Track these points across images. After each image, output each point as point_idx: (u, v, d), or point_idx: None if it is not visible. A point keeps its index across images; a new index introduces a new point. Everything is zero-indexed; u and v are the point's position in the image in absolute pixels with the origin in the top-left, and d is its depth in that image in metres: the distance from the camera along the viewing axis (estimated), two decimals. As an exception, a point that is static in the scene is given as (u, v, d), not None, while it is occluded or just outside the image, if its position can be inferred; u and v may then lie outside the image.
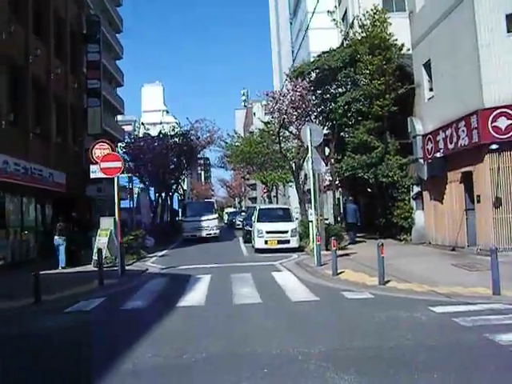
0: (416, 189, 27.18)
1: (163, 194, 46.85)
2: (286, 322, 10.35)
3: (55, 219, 30.94)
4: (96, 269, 20.96)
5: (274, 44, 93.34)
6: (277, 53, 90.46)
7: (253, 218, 30.28)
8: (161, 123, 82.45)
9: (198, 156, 52.07)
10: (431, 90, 24.92)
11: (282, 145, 38.75)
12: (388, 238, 29.11)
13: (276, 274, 17.97)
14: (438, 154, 22.30)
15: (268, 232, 26.72)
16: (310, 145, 19.80)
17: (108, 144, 22.80)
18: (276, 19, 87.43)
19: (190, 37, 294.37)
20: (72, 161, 33.34)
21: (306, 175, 32.17)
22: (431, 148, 23.79)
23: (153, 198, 48.04)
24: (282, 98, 31.04)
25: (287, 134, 36.56)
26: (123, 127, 67.16)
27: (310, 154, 19.93)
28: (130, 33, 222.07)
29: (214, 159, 66.93)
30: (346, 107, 28.99)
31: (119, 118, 72.04)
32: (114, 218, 21.81)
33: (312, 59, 33.88)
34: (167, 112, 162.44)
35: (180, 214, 75.96)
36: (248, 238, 31.34)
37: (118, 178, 19.84)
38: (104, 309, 13.18)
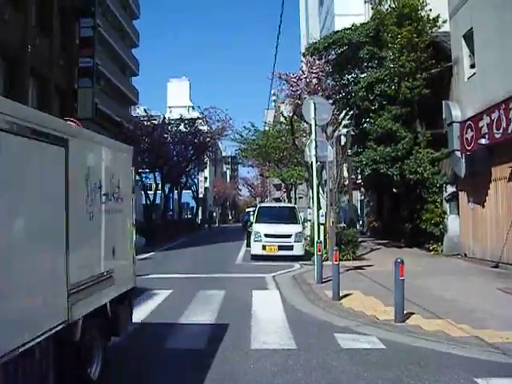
0: (450, 189, 22.38)
1: (166, 189, 42.66)
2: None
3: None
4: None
5: (303, 36, 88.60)
6: (306, 44, 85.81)
7: (251, 218, 25.80)
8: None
9: (224, 154, 48.85)
10: (472, 66, 20.16)
11: (303, 140, 34.32)
12: (415, 246, 24.72)
13: (258, 293, 13.32)
14: (482, 141, 17.41)
15: (267, 235, 22.08)
16: (313, 124, 15.19)
17: (75, 123, 18.51)
18: (305, 9, 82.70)
19: (218, 32, 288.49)
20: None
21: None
22: (471, 137, 18.98)
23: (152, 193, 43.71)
24: (296, 81, 26.52)
25: (306, 126, 31.94)
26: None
27: (312, 136, 15.29)
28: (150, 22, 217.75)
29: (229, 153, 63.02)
30: (369, 89, 24.31)
31: (140, 113, 68.23)
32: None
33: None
34: (193, 108, 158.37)
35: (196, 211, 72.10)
36: (249, 242, 26.75)
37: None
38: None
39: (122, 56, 54.81)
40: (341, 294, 12.10)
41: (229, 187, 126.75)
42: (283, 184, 63.91)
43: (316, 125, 15.28)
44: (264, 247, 22.00)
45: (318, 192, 16.56)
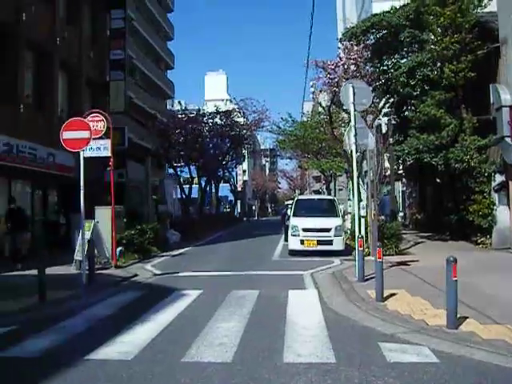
0: (499, 178, 21.04)
1: (203, 182, 41.95)
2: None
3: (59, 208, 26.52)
4: (76, 271, 16.19)
5: (339, 23, 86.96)
6: (343, 29, 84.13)
7: (289, 211, 24.80)
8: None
9: (262, 147, 48.64)
10: (523, 46, 18.84)
11: (342, 130, 33.19)
12: (461, 239, 23.41)
13: (294, 293, 12.30)
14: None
15: (305, 229, 20.99)
16: (352, 109, 14.10)
17: (103, 115, 17.94)
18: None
19: (253, 24, 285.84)
20: (87, 141, 28.49)
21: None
22: (523, 122, 17.70)
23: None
24: (334, 68, 25.47)
25: (345, 116, 30.86)
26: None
27: (352, 123, 14.20)
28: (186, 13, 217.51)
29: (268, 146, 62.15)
30: (410, 74, 23.08)
31: (177, 106, 67.71)
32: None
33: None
34: (230, 101, 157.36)
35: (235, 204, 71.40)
36: (287, 236, 25.70)
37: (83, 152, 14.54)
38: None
39: (156, 49, 54.39)
40: (385, 294, 11.05)
41: (268, 180, 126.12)
42: (322, 176, 62.85)
43: (355, 110, 14.19)
44: (302, 242, 20.95)
45: (358, 183, 15.48)
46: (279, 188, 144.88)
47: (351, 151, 15.26)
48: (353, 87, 14.15)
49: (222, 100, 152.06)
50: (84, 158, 15.39)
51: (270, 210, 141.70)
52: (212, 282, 14.64)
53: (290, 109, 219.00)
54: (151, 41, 51.47)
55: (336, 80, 25.36)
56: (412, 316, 9.36)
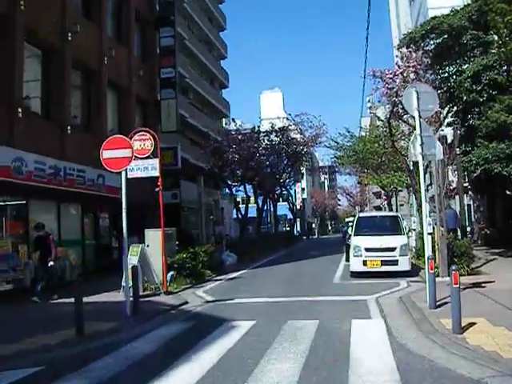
0: None
1: (260, 201, 40.89)
2: None
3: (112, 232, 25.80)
4: (124, 299, 15.04)
5: (394, 32, 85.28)
6: (398, 39, 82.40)
7: (349, 230, 23.36)
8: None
9: (321, 164, 47.81)
10: None
11: (402, 143, 31.73)
12: (537, 256, 21.53)
13: (358, 324, 10.91)
14: None
15: (368, 249, 19.49)
16: (417, 116, 12.70)
17: (150, 134, 17.02)
18: (395, 7, 79.30)
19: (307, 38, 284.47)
20: (139, 162, 27.92)
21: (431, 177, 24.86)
22: None
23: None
24: (392, 77, 24.12)
25: (405, 129, 29.47)
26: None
27: (417, 131, 12.78)
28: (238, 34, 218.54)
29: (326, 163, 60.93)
30: (475, 79, 21.55)
31: (233, 126, 67.29)
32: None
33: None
34: (287, 119, 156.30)
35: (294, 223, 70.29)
36: (348, 256, 24.18)
37: (125, 172, 13.54)
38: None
39: (210, 68, 53.99)
40: (462, 324, 9.59)
41: (327, 197, 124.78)
42: (383, 191, 61.05)
43: (420, 117, 12.79)
44: (365, 263, 19.43)
45: (425, 196, 14.04)
46: (339, 205, 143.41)
47: (415, 163, 13.88)
48: (416, 92, 12.77)
49: (279, 118, 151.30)
50: (131, 178, 14.62)
51: (330, 227, 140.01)
52: (267, 310, 13.38)
53: (348, 124, 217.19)
54: (204, 60, 51.09)
55: (395, 90, 24.02)
56: (499, 353, 7.88)
